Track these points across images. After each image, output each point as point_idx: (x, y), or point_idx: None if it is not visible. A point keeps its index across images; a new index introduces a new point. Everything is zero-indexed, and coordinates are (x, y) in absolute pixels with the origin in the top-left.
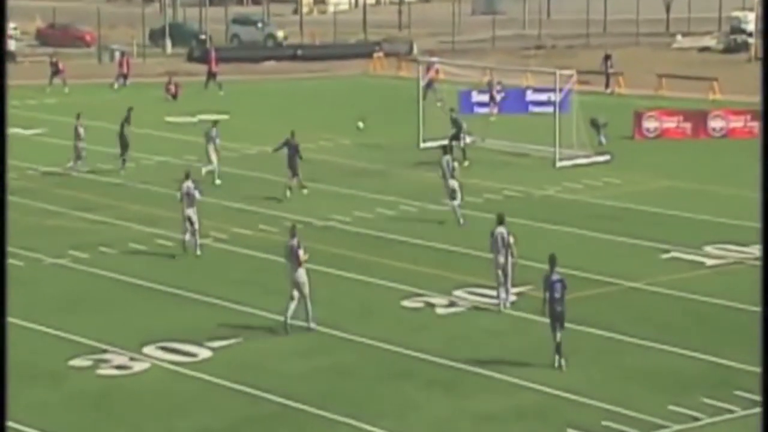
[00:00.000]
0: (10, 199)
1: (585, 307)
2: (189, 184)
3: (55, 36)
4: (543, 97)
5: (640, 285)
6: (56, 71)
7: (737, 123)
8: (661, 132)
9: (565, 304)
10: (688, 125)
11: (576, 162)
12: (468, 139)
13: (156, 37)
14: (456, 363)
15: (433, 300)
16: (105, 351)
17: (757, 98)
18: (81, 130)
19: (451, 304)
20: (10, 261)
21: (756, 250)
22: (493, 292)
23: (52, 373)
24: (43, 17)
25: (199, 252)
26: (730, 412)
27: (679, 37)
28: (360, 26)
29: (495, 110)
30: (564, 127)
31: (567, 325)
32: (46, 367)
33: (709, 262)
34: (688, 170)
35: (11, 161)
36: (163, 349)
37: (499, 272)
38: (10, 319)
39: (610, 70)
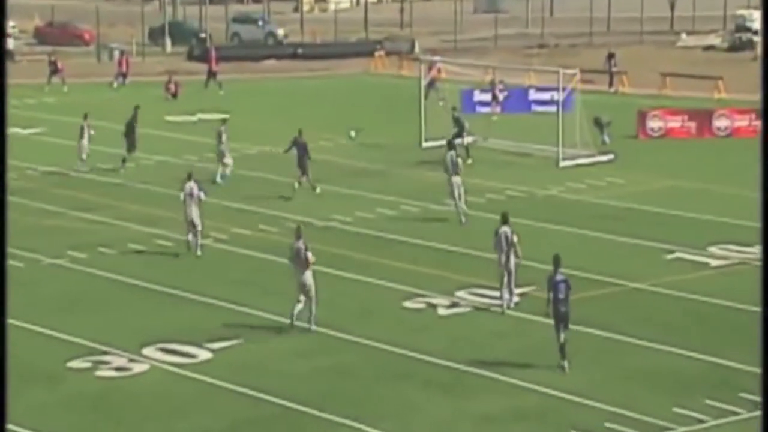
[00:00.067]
0: (9, 199)
1: (588, 307)
2: (192, 184)
3: (54, 34)
4: (546, 96)
5: (643, 286)
6: (55, 70)
7: (742, 122)
8: (665, 131)
9: (570, 304)
10: (692, 124)
11: (579, 162)
12: (470, 139)
13: (155, 35)
14: (457, 364)
15: (434, 301)
16: (104, 352)
17: None
18: (91, 132)
19: (453, 305)
20: (8, 261)
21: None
22: (495, 293)
23: (51, 375)
24: (42, 15)
25: (199, 252)
26: (735, 414)
27: (683, 36)
28: (361, 24)
29: (497, 109)
30: (567, 127)
31: (570, 326)
32: (45, 369)
33: (714, 262)
34: (693, 170)
35: (9, 161)
36: (163, 350)
37: (503, 272)
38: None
39: (614, 69)
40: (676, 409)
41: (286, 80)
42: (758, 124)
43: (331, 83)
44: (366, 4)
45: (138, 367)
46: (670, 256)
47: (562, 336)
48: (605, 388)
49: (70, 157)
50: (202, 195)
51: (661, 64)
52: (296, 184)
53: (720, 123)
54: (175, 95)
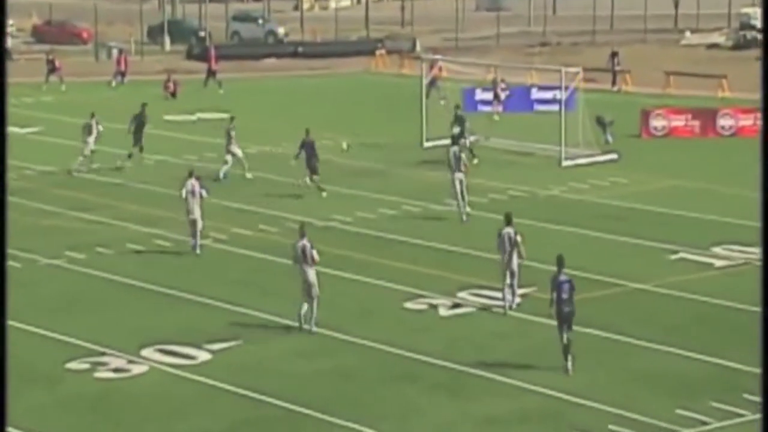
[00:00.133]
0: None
1: (591, 308)
2: (193, 181)
3: (52, 33)
4: (548, 95)
5: (647, 286)
6: (53, 69)
7: (747, 121)
8: (668, 130)
9: (574, 305)
10: (696, 124)
11: (582, 161)
12: (472, 138)
13: (154, 34)
14: (459, 366)
15: (436, 301)
16: (102, 354)
17: None
18: (100, 128)
19: (455, 306)
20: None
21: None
22: (497, 294)
23: (49, 376)
24: (40, 14)
25: (198, 251)
26: (740, 416)
27: (687, 34)
28: (362, 23)
29: (499, 108)
30: (570, 126)
31: (573, 327)
32: (43, 370)
33: (718, 263)
34: (697, 170)
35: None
36: (162, 351)
37: (506, 273)
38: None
39: (617, 68)
40: (679, 411)
41: (286, 79)
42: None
43: (331, 82)
44: (367, 2)
45: (137, 369)
46: (673, 257)
47: (565, 337)
48: (608, 390)
49: (68, 157)
50: (203, 192)
51: (664, 62)
52: (308, 180)
53: (724, 122)
54: (174, 94)
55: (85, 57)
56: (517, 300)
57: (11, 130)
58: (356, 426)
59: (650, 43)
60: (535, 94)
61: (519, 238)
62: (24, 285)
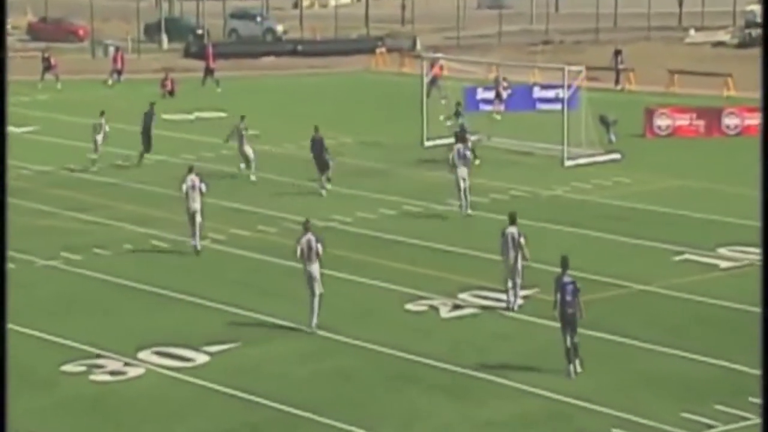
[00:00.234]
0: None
1: (594, 310)
2: (193, 177)
3: (47, 30)
4: (551, 94)
5: (651, 288)
6: (48, 67)
7: (752, 120)
8: (673, 130)
9: (578, 306)
10: (701, 123)
11: (585, 161)
12: (473, 138)
13: (151, 31)
14: (461, 368)
15: (437, 303)
16: (98, 356)
17: None
18: (106, 128)
19: (456, 307)
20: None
21: None
22: (499, 295)
23: (44, 379)
24: (35, 11)
25: (199, 248)
26: (745, 419)
27: (692, 32)
28: (362, 21)
29: (501, 107)
30: (572, 125)
31: (578, 329)
32: (38, 373)
33: (723, 264)
34: (701, 169)
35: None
36: (159, 353)
37: (509, 274)
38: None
39: (621, 66)
40: (684, 415)
41: (285, 78)
42: None
43: (331, 81)
44: (367, 0)
45: (133, 371)
46: (678, 258)
47: (568, 340)
48: (612, 393)
49: (64, 156)
50: (203, 187)
51: (669, 61)
52: (324, 179)
53: (729, 121)
54: (171, 93)
55: (82, 55)
56: (520, 301)
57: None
58: (356, 429)
59: (654, 41)
60: (538, 93)
61: (523, 240)
62: (20, 286)
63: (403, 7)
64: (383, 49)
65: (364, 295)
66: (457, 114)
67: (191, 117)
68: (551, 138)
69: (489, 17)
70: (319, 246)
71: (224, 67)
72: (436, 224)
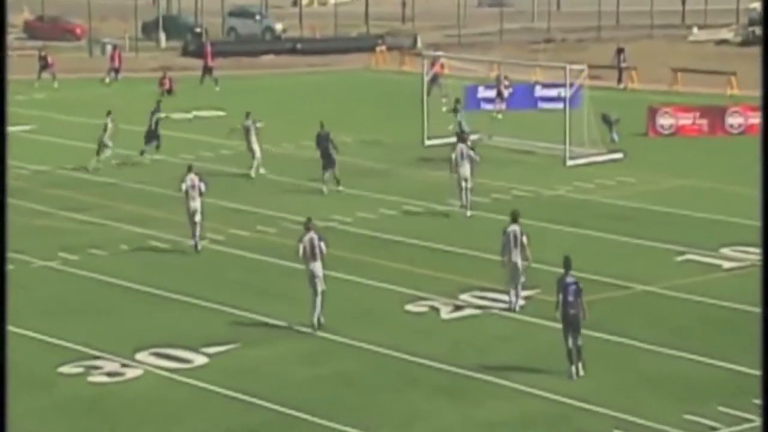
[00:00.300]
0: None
1: (596, 310)
2: (192, 176)
3: (44, 29)
4: (553, 92)
5: (654, 288)
6: (45, 65)
7: (756, 119)
8: (676, 129)
9: (580, 307)
10: (704, 122)
11: (587, 160)
12: (473, 137)
13: (149, 30)
14: (461, 369)
15: (437, 304)
16: (96, 357)
17: None
18: (111, 126)
19: (457, 308)
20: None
21: None
22: (499, 296)
23: (42, 380)
24: (32, 9)
25: (199, 247)
26: (749, 421)
27: (695, 30)
28: (362, 19)
29: (502, 106)
30: (575, 124)
31: (581, 330)
32: (35, 374)
33: (726, 264)
34: (705, 169)
35: None
36: (157, 355)
37: (510, 273)
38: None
39: (623, 65)
40: (686, 416)
41: (284, 76)
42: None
43: (330, 79)
44: None
45: (131, 373)
46: (680, 258)
47: (570, 341)
48: (614, 394)
49: (61, 156)
50: (202, 186)
51: (671, 59)
52: (329, 177)
53: (733, 120)
54: (170, 92)
55: (78, 53)
56: (521, 302)
57: None
58: (356, 430)
59: (657, 39)
60: (539, 91)
61: (525, 240)
62: (16, 287)
63: (404, 4)
64: (383, 48)
65: (364, 295)
66: (455, 111)
67: (190, 116)
68: (553, 137)
69: (490, 15)
70: (323, 244)
71: (223, 65)
72: (436, 224)
